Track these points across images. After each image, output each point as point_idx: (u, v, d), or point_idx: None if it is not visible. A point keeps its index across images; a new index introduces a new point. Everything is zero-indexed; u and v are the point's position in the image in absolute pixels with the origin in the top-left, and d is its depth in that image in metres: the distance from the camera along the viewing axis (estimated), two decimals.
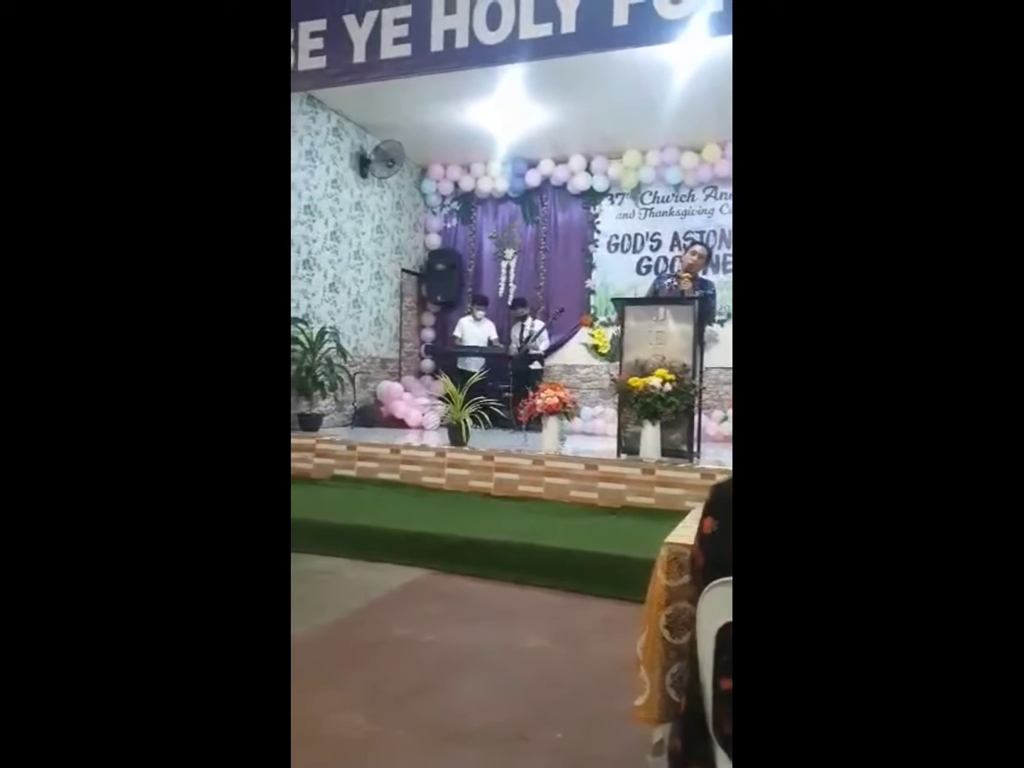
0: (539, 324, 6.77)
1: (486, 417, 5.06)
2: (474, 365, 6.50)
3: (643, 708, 1.53)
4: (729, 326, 6.65)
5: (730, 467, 3.73)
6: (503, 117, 6.25)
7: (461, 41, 4.26)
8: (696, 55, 4.87)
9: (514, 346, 6.65)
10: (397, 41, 4.35)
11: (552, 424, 4.82)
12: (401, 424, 6.54)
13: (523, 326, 6.71)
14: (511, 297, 7.48)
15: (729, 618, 1.06)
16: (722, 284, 6.51)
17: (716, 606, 1.07)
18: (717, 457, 4.87)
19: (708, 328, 5.28)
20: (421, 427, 6.46)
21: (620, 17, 3.93)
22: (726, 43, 4.65)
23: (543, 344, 6.75)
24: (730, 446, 5.55)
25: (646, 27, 3.85)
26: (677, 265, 5.55)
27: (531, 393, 4.99)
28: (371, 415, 6.64)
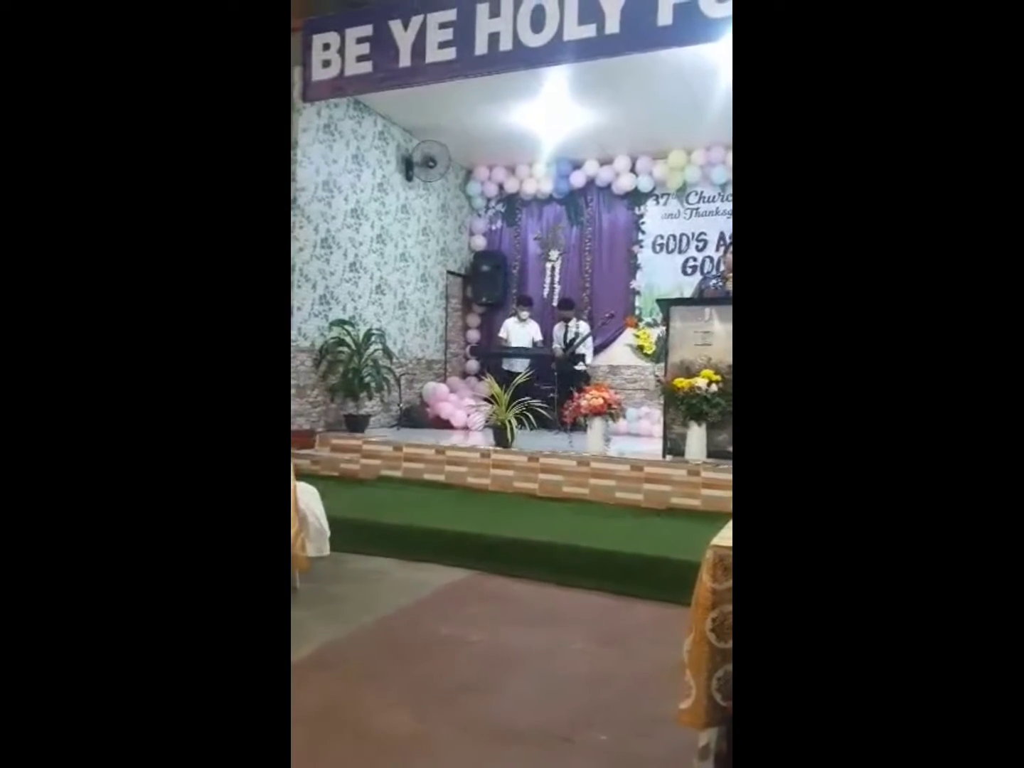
0: (584, 325, 6.75)
1: (531, 418, 5.07)
2: (519, 366, 6.52)
3: (689, 712, 1.52)
4: None
5: None
6: (548, 118, 6.26)
7: (505, 44, 4.28)
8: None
9: (558, 347, 6.65)
10: (442, 45, 4.41)
11: (597, 425, 4.81)
12: (447, 425, 6.60)
13: (567, 327, 6.70)
14: (556, 298, 7.48)
15: None
16: None
17: None
18: None
19: None
20: (466, 428, 6.51)
21: (664, 17, 3.90)
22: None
23: (588, 346, 6.72)
24: None
25: (691, 26, 3.82)
26: (723, 265, 5.48)
27: (576, 394, 4.98)
28: (417, 416, 6.72)
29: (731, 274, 4.86)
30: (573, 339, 6.58)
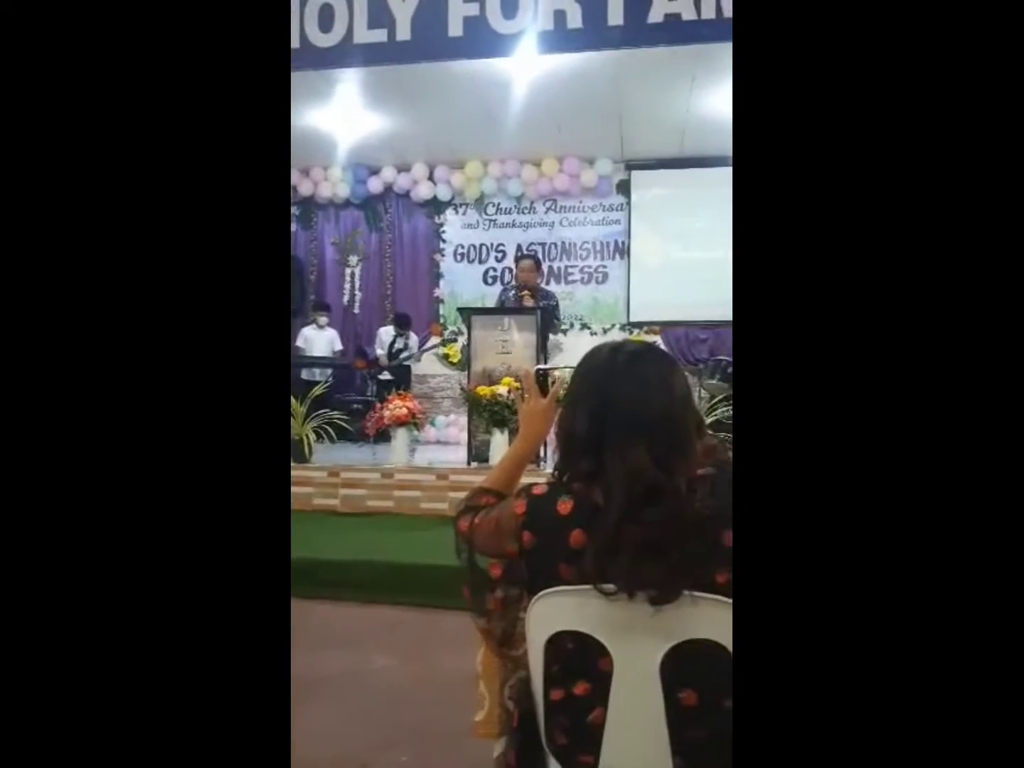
0: (414, 338, 6.67)
1: (331, 431, 4.88)
2: (320, 376, 6.27)
3: (483, 723, 1.50)
4: (572, 335, 6.87)
5: None
6: (341, 122, 6.09)
7: (292, 42, 4.10)
8: (533, 70, 4.99)
9: (382, 352, 6.50)
10: None
11: (401, 435, 4.74)
12: None
13: (396, 339, 6.56)
14: (357, 305, 7.31)
15: (557, 628, 1.06)
16: (564, 295, 6.71)
17: (543, 617, 1.07)
18: None
19: (552, 337, 5.42)
20: None
21: (455, 28, 3.95)
22: (560, 60, 4.81)
23: (413, 356, 6.63)
24: None
25: (480, 40, 3.90)
26: (517, 278, 5.66)
27: (378, 404, 4.88)
28: None
29: (525, 288, 5.03)
30: (401, 349, 6.46)
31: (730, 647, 1.02)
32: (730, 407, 5.42)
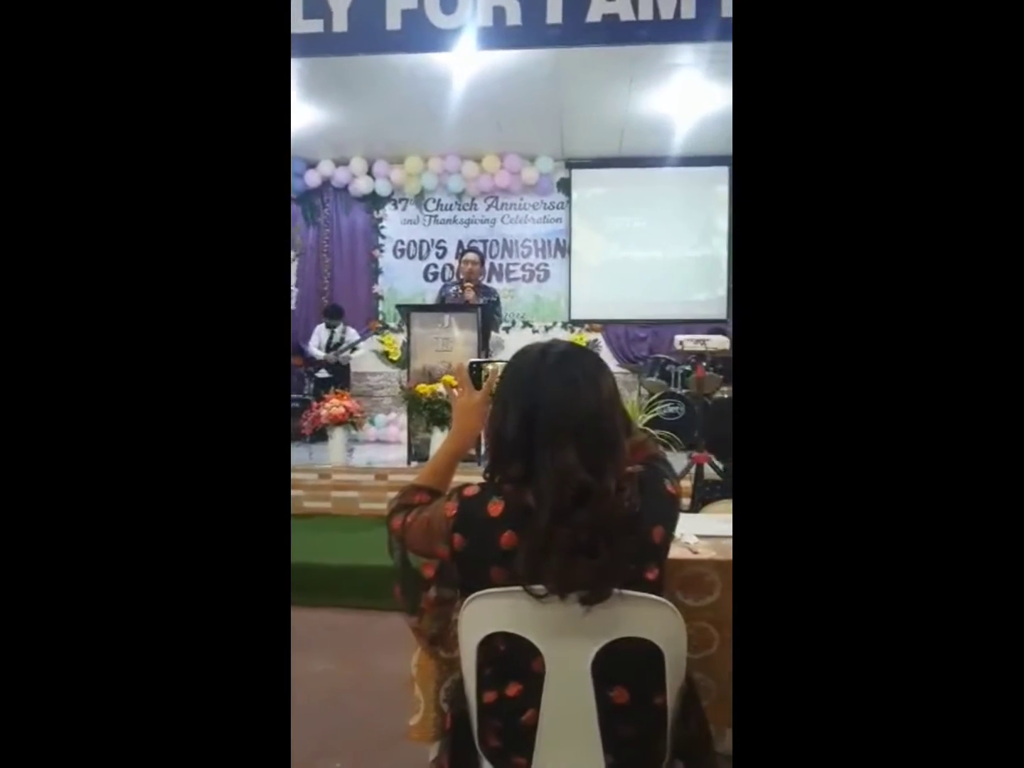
0: (352, 332, 6.52)
1: None
2: None
3: (418, 727, 1.49)
4: (515, 332, 6.88)
5: None
6: None
7: None
8: (472, 66, 4.96)
9: (318, 351, 6.35)
10: None
11: (339, 435, 4.65)
12: None
13: (333, 332, 6.42)
14: (295, 300, 7.15)
15: (489, 630, 1.05)
16: (506, 292, 6.71)
17: (475, 619, 1.06)
18: None
19: (493, 335, 5.41)
20: None
21: (393, 21, 3.88)
22: (500, 57, 4.80)
23: (350, 346, 6.48)
24: None
25: (419, 34, 3.84)
26: (461, 274, 5.63)
27: (315, 403, 4.78)
28: None
29: (468, 283, 5.01)
30: (339, 343, 6.32)
31: (659, 644, 1.04)
32: (668, 404, 5.52)
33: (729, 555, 1.52)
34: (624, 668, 1.04)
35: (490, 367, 1.25)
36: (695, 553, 1.53)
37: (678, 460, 3.95)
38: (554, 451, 0.99)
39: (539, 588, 0.98)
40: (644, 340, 6.98)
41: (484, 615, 1.05)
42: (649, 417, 5.16)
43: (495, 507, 1.03)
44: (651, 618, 1.04)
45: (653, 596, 1.03)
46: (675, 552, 1.50)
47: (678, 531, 1.56)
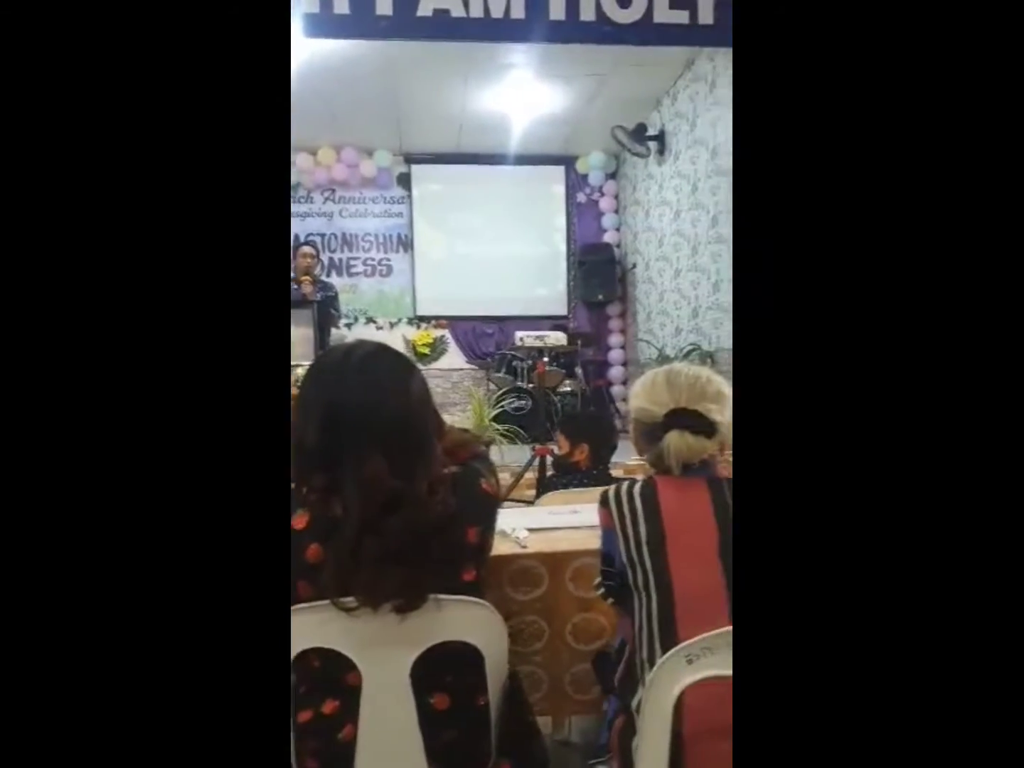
0: None
1: None
2: None
3: None
4: (358, 329, 6.72)
5: None
6: None
7: None
8: (302, 54, 4.77)
9: None
10: None
11: None
12: None
13: None
14: None
15: (301, 647, 1.00)
16: (347, 288, 6.54)
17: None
18: None
19: (335, 331, 5.25)
20: None
21: None
22: (333, 46, 4.64)
23: None
24: None
25: None
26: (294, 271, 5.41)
27: None
28: None
29: (305, 277, 4.82)
30: None
31: (479, 645, 1.03)
32: (515, 398, 5.62)
33: (556, 547, 1.56)
34: (444, 673, 1.03)
35: (299, 371, 1.19)
36: (524, 548, 1.55)
37: (524, 453, 4.04)
38: (360, 458, 0.96)
39: (348, 601, 0.94)
40: (491, 336, 7.07)
41: (295, 632, 1.00)
42: (496, 411, 5.24)
43: (299, 519, 0.98)
44: (469, 620, 1.03)
45: (470, 598, 1.02)
46: (504, 547, 1.52)
47: (509, 526, 1.58)
